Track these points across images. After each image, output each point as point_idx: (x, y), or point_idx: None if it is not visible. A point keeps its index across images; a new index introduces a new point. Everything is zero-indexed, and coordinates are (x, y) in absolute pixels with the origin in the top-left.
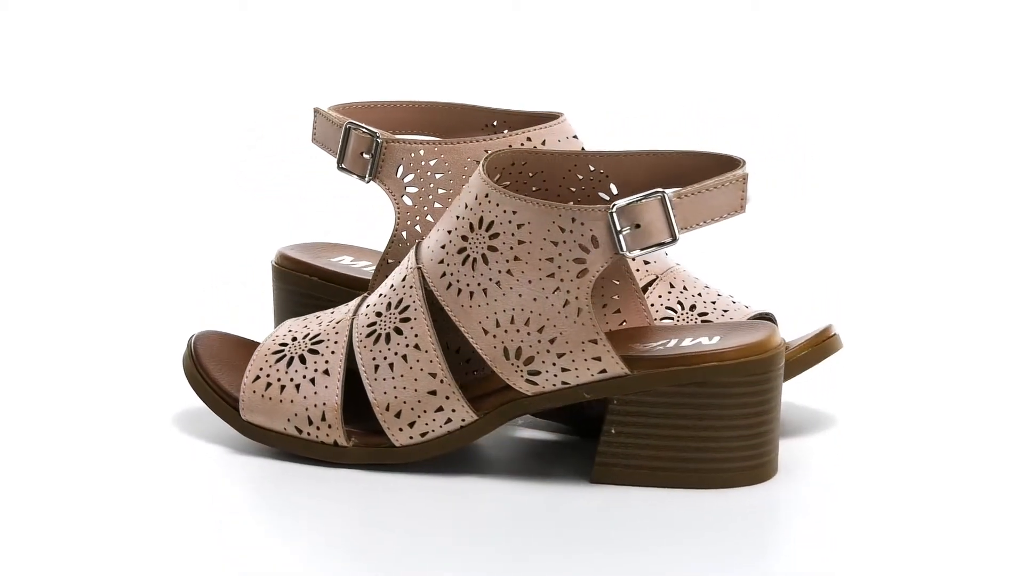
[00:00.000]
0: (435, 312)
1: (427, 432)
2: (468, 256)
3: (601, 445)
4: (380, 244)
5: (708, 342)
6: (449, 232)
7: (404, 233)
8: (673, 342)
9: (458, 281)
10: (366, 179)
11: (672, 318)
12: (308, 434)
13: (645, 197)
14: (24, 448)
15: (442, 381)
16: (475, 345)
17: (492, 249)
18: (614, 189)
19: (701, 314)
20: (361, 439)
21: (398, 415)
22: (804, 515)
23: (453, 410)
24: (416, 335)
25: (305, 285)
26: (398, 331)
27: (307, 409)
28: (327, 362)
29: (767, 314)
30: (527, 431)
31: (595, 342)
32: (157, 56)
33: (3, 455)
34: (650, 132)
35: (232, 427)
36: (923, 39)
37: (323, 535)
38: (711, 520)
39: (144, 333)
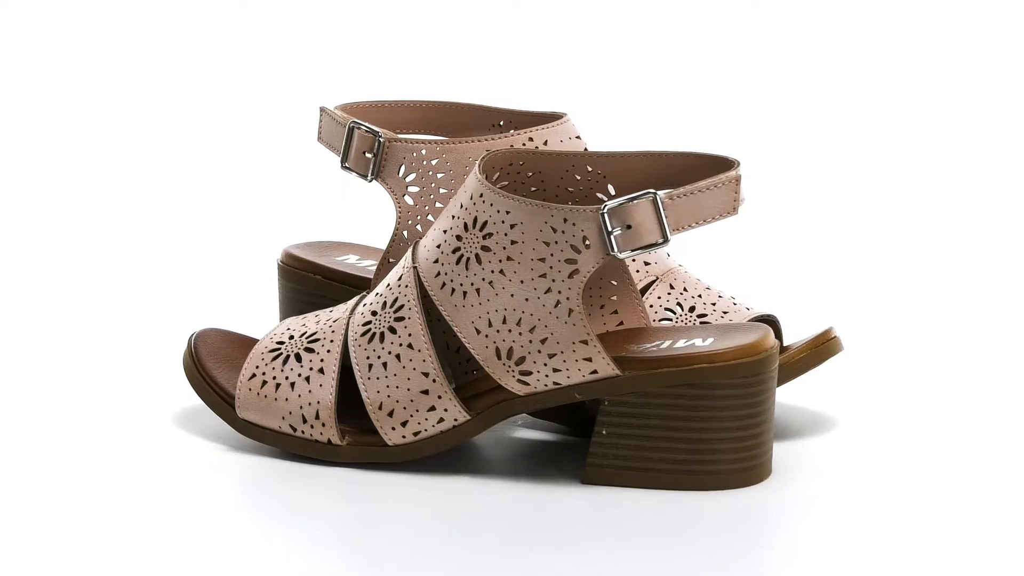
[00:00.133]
0: (435, 312)
1: (420, 431)
2: (462, 256)
3: (592, 446)
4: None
5: (701, 343)
6: (445, 232)
7: (405, 233)
8: (667, 343)
9: (452, 280)
10: (368, 178)
11: (671, 319)
12: (302, 432)
13: (636, 198)
14: (21, 440)
15: (434, 380)
16: (468, 345)
17: (485, 249)
18: (612, 190)
19: (700, 316)
20: (355, 438)
21: (391, 414)
22: (793, 518)
23: (445, 409)
24: (410, 334)
25: (310, 284)
26: (392, 330)
27: (301, 407)
28: (322, 360)
29: (769, 316)
30: (526, 431)
31: (586, 343)
32: (167, 54)
33: None
34: (656, 133)
35: (229, 425)
36: (927, 38)
37: (316, 534)
38: (701, 522)
39: (149, 330)
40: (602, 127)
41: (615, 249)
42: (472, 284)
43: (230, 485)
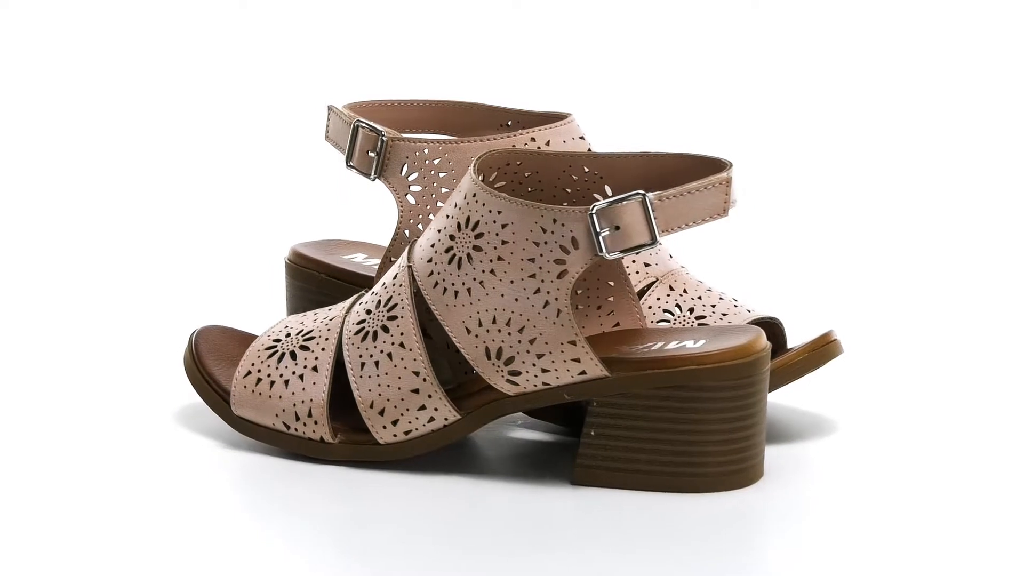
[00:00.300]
0: (431, 311)
1: (410, 430)
2: (455, 255)
3: (581, 447)
4: None
5: (692, 345)
6: (439, 231)
7: (407, 231)
8: (659, 345)
9: (444, 280)
10: (372, 177)
11: (669, 321)
12: (295, 430)
13: (625, 199)
14: (21, 436)
15: (425, 380)
16: (458, 344)
17: (477, 248)
18: (608, 191)
19: (699, 317)
20: (347, 436)
21: (382, 412)
22: (785, 521)
23: (436, 409)
24: (402, 333)
25: (317, 282)
26: (385, 329)
27: (294, 405)
28: (316, 359)
29: (772, 319)
30: (522, 432)
31: (574, 343)
32: (176, 52)
33: None
34: (663, 134)
35: (226, 422)
36: (928, 39)
37: (311, 532)
38: (688, 524)
39: (158, 327)
40: (610, 127)
41: (604, 250)
42: (463, 284)
43: (226, 483)
